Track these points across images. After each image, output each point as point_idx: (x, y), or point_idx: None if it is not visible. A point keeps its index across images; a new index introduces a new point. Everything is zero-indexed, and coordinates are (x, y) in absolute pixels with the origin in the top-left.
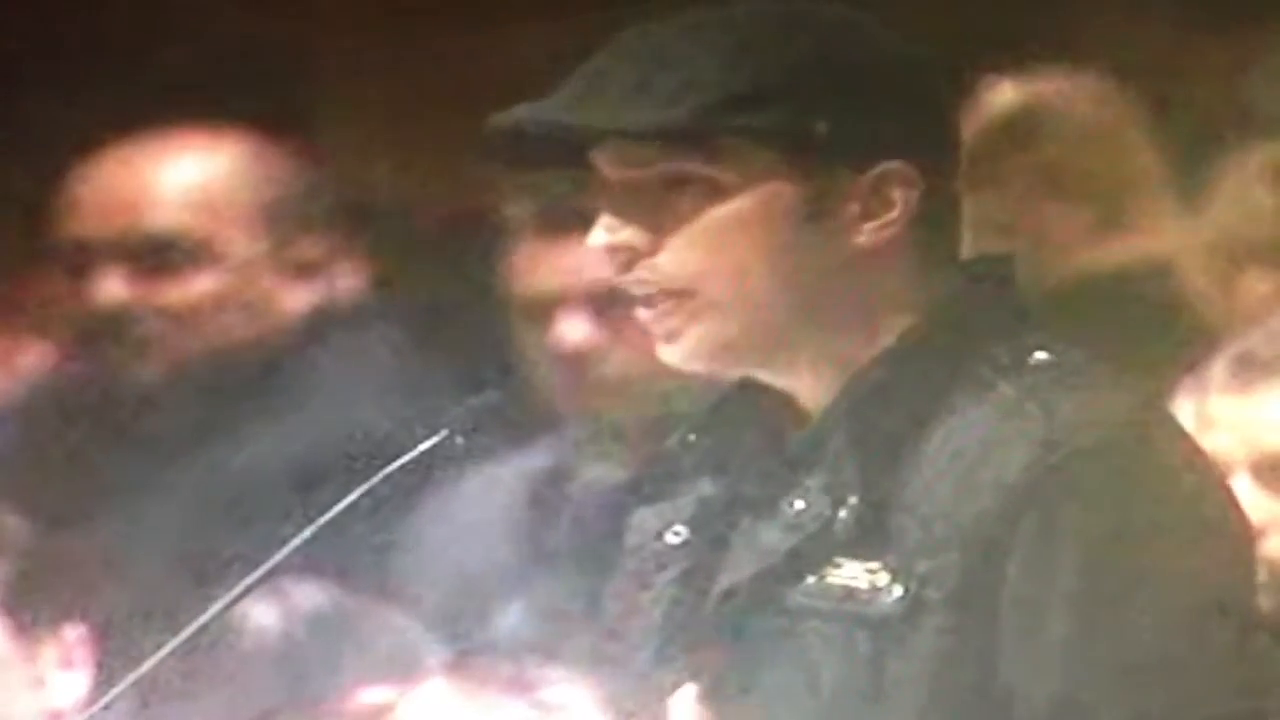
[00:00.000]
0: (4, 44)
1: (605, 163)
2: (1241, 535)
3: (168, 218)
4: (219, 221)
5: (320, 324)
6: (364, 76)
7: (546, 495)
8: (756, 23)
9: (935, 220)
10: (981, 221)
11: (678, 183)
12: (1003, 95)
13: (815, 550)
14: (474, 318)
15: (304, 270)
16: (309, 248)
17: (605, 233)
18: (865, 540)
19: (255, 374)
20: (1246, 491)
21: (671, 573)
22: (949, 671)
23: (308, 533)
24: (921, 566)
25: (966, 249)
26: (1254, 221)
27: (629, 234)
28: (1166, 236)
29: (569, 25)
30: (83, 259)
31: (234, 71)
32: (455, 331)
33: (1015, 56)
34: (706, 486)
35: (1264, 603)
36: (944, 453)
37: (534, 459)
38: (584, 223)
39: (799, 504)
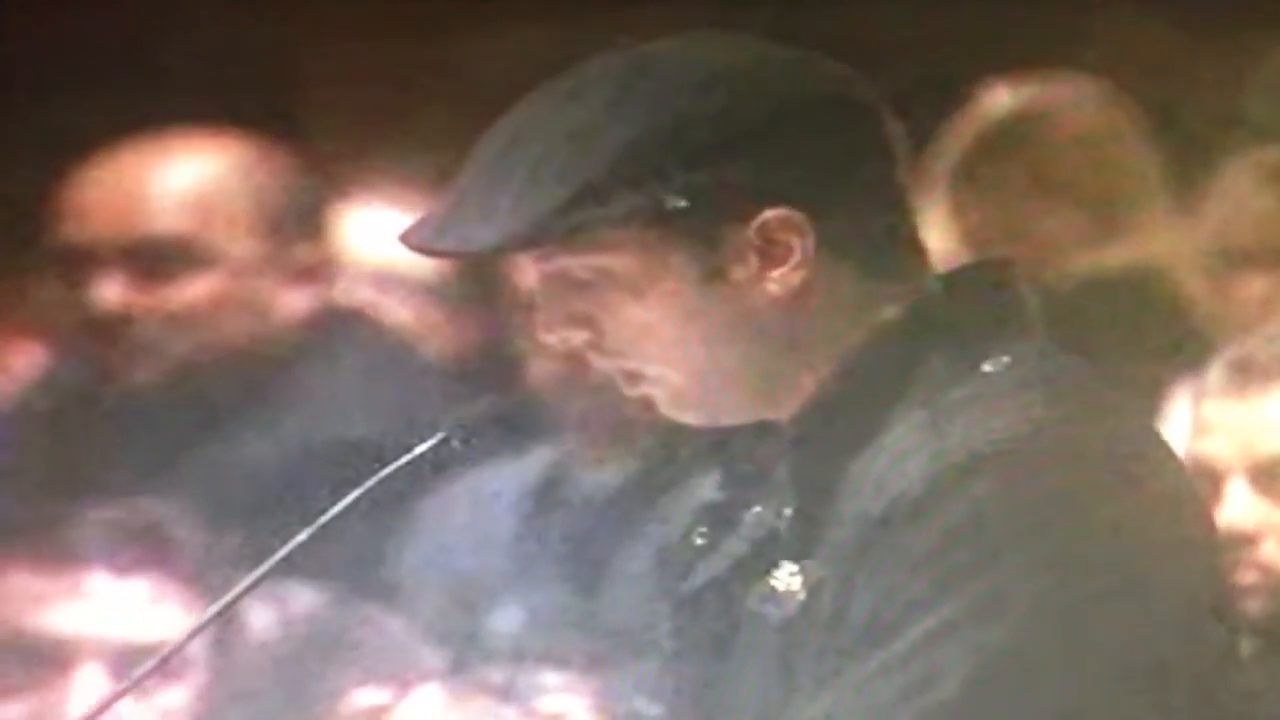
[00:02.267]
0: (4, 45)
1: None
2: (1216, 541)
3: (166, 221)
4: (217, 225)
5: (318, 327)
6: (362, 79)
7: (544, 499)
8: (604, 93)
9: (862, 251)
10: (976, 226)
11: (572, 276)
12: (999, 100)
13: (762, 556)
14: (472, 318)
15: (302, 273)
16: (307, 251)
17: (544, 332)
18: (797, 548)
19: (252, 377)
20: (1242, 496)
21: (699, 577)
22: (843, 677)
23: (304, 536)
24: (818, 573)
25: (961, 255)
26: (1250, 226)
27: (565, 332)
28: (1162, 241)
29: (566, 27)
30: (81, 262)
31: (232, 75)
32: (453, 333)
33: (1012, 62)
34: (714, 492)
35: (1256, 607)
36: (868, 465)
37: (531, 463)
38: None
39: (757, 509)
